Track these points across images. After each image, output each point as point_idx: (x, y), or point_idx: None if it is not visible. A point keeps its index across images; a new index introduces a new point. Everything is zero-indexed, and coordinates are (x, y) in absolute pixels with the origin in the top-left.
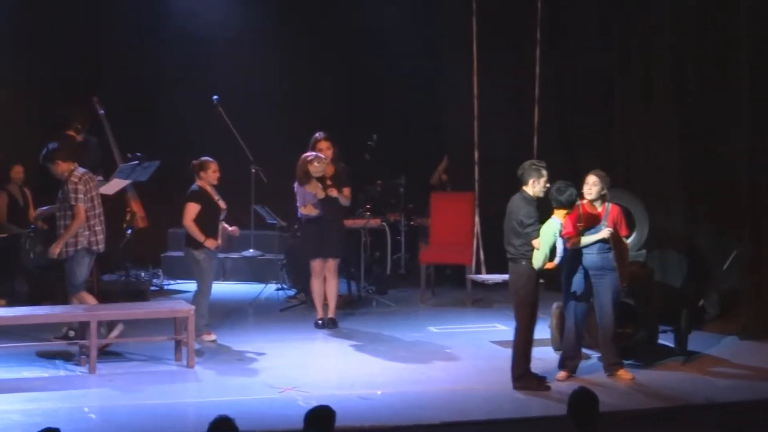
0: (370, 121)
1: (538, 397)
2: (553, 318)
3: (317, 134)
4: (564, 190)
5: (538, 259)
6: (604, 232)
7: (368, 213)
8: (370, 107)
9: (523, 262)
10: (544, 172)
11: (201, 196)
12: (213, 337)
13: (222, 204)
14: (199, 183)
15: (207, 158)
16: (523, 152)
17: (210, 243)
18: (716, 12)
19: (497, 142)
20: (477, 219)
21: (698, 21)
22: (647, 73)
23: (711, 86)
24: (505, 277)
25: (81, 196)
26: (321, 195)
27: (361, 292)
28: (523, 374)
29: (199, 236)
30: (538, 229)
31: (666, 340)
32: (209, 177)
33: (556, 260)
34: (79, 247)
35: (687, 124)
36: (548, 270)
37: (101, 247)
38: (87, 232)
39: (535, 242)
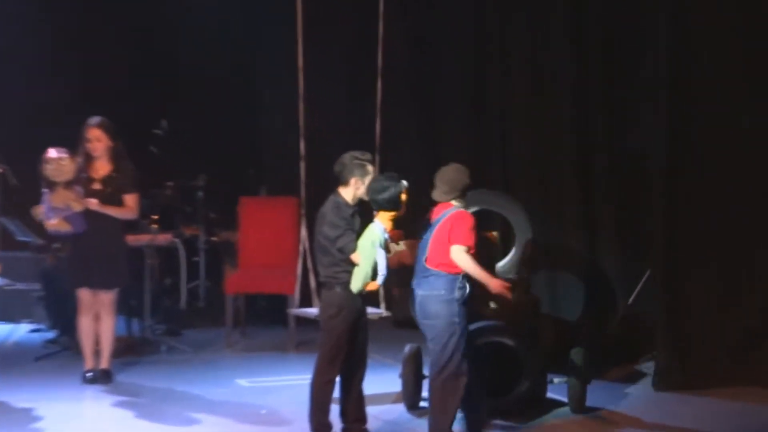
0: (160, 103)
1: None
2: (405, 365)
3: (90, 120)
4: (384, 188)
5: (357, 279)
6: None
7: (155, 226)
8: (162, 84)
9: (337, 288)
10: (371, 169)
11: None
12: None
13: None
14: None
15: None
16: (365, 143)
17: None
18: None
19: (330, 130)
20: (303, 232)
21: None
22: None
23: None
24: None
25: None
26: (77, 207)
27: (147, 334)
28: (317, 429)
29: None
30: (355, 240)
31: (557, 391)
32: None
33: (379, 279)
34: None
35: (586, 114)
36: (372, 292)
37: None
38: None
39: (354, 257)
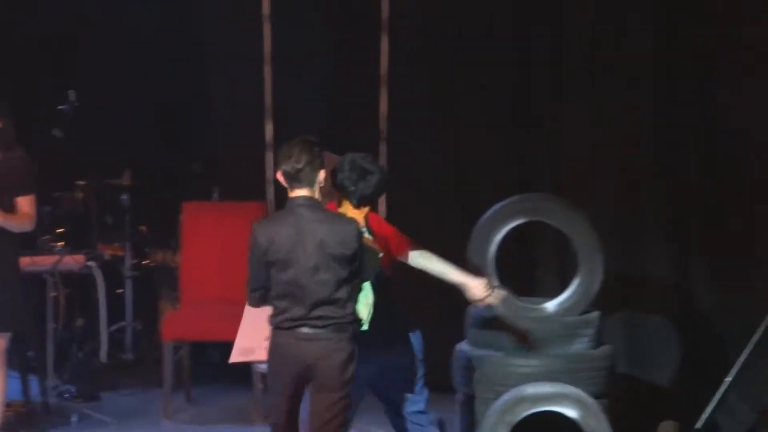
0: (67, 67)
1: None
2: None
3: None
4: (365, 173)
5: (368, 305)
6: None
7: (60, 243)
8: (69, 41)
9: (350, 329)
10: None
11: None
12: None
13: None
14: None
15: None
16: (359, 126)
17: None
18: None
19: (307, 107)
20: None
21: None
22: None
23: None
24: None
25: None
26: None
27: (50, 397)
28: None
29: None
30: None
31: None
32: None
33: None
34: None
35: (673, 104)
36: None
37: None
38: None
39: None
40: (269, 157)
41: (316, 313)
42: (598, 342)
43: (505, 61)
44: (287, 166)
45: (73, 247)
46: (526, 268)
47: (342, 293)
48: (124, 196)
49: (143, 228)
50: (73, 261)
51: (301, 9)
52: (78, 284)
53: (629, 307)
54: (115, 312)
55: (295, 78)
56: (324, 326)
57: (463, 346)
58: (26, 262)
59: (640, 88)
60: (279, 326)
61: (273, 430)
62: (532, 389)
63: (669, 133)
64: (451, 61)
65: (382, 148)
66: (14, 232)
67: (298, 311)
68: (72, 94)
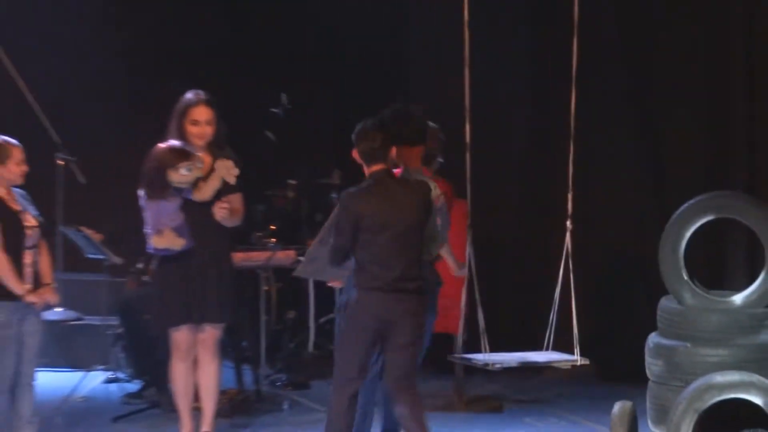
0: (276, 73)
1: None
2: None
3: (190, 94)
4: (406, 112)
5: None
6: None
7: (272, 240)
8: (280, 43)
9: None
10: None
11: None
12: None
13: (30, 219)
14: None
15: (5, 139)
16: (550, 124)
17: (30, 295)
18: None
19: (504, 107)
20: (469, 250)
21: None
22: None
23: None
24: (525, 357)
25: None
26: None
27: (263, 386)
28: None
29: (12, 281)
30: None
31: None
32: (9, 172)
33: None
34: None
35: None
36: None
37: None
38: None
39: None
40: (468, 156)
41: (407, 274)
42: None
43: (697, 58)
44: (365, 146)
45: (284, 244)
46: (717, 262)
47: (419, 254)
48: (334, 195)
49: None
50: (285, 256)
51: (499, 14)
52: (289, 279)
53: None
54: (324, 305)
55: (493, 80)
56: (412, 288)
57: (654, 337)
58: (240, 257)
59: None
60: (373, 287)
61: (345, 386)
62: (720, 377)
63: None
64: (643, 60)
65: (570, 147)
66: (228, 228)
67: (391, 273)
68: (284, 98)
